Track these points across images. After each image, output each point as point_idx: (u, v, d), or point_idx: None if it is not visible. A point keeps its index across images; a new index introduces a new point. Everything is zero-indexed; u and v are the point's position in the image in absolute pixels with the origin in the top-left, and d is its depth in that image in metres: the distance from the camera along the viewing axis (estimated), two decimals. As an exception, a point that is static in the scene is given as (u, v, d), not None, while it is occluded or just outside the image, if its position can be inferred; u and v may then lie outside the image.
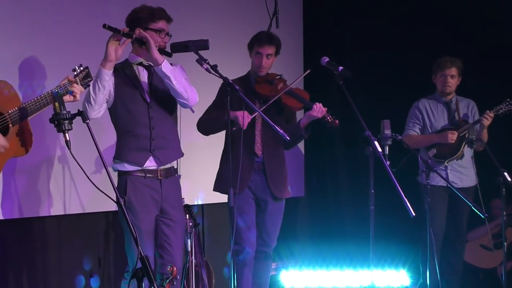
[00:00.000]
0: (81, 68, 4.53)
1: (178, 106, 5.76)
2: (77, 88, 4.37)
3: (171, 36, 5.59)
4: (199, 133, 6.63)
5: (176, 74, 5.51)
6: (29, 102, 4.19)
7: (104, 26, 5.22)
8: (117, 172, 5.58)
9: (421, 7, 8.93)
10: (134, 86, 5.56)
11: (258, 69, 6.58)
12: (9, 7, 5.87)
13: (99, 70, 5.32)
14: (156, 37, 5.47)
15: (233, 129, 6.05)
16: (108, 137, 6.45)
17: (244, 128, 6.17)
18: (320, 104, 6.48)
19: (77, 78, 4.47)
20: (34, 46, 6.16)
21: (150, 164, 5.56)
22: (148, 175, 5.55)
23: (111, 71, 5.35)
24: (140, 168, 5.53)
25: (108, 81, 5.35)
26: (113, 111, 5.58)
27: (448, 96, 7.78)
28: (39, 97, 4.24)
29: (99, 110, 5.42)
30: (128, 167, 5.53)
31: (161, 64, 5.43)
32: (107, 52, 5.30)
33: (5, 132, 4.04)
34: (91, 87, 5.30)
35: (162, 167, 5.60)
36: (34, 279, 6.40)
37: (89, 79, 4.58)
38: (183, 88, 5.54)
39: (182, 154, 5.86)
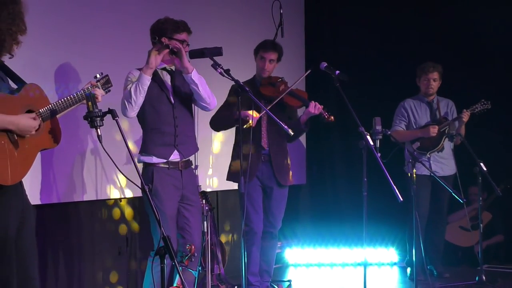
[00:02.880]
0: (102, 75, 4.53)
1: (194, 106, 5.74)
2: (99, 92, 4.37)
3: (189, 45, 5.56)
4: (213, 129, 6.61)
5: (202, 81, 5.50)
6: (57, 102, 4.20)
7: (154, 38, 5.29)
8: (142, 164, 5.56)
9: (407, 21, 8.93)
10: (161, 89, 5.54)
11: (262, 72, 6.57)
12: (47, 18, 5.84)
13: (141, 75, 5.33)
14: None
15: (244, 126, 6.02)
16: (134, 132, 6.45)
17: (253, 125, 6.15)
18: (317, 103, 6.45)
19: (98, 83, 4.47)
20: (69, 53, 6.14)
21: (174, 157, 5.53)
22: (171, 166, 5.52)
23: (151, 76, 5.34)
24: (165, 160, 5.50)
25: (147, 85, 5.34)
26: (141, 110, 5.53)
27: (430, 96, 7.76)
28: (66, 98, 4.24)
29: (137, 110, 5.41)
30: (155, 160, 5.50)
31: (191, 72, 5.42)
32: (149, 60, 5.32)
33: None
34: (132, 90, 5.31)
35: (183, 159, 5.58)
36: (70, 256, 6.39)
37: (109, 85, 4.57)
38: (207, 93, 5.54)
39: (198, 149, 5.85)
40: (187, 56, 5.53)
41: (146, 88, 5.34)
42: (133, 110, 5.39)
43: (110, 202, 6.70)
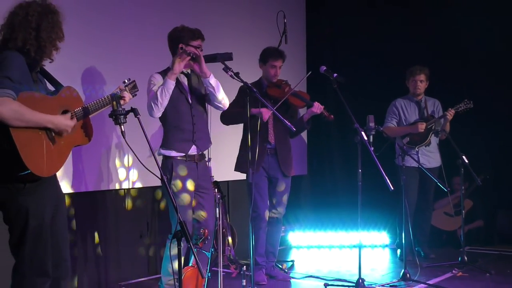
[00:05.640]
0: (130, 80, 4.55)
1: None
2: (127, 95, 4.40)
3: (202, 50, 5.56)
4: (225, 126, 6.62)
5: (218, 84, 5.50)
6: (90, 103, 4.22)
7: (180, 48, 5.31)
8: (161, 156, 5.56)
9: (398, 29, 8.90)
10: (180, 91, 5.52)
11: (273, 78, 6.59)
12: (76, 28, 5.86)
13: (166, 80, 5.32)
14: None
15: (258, 122, 6.08)
16: (153, 128, 6.46)
17: (265, 120, 6.24)
18: (319, 103, 6.48)
19: (126, 88, 4.49)
20: (95, 58, 6.16)
21: (192, 151, 5.52)
22: (188, 159, 5.52)
23: (175, 81, 5.35)
24: (183, 154, 5.50)
25: (172, 89, 5.34)
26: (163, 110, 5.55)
27: (418, 96, 7.74)
28: (98, 100, 4.26)
29: (162, 110, 5.40)
30: (174, 153, 5.49)
31: (209, 77, 5.42)
32: (173, 67, 5.31)
33: (71, 126, 4.08)
34: (158, 93, 5.30)
35: (199, 153, 5.57)
36: (97, 239, 6.41)
37: (135, 90, 4.59)
38: (222, 95, 5.54)
39: (211, 143, 5.85)
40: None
41: (171, 91, 5.34)
42: (159, 111, 5.39)
43: (133, 191, 6.72)
